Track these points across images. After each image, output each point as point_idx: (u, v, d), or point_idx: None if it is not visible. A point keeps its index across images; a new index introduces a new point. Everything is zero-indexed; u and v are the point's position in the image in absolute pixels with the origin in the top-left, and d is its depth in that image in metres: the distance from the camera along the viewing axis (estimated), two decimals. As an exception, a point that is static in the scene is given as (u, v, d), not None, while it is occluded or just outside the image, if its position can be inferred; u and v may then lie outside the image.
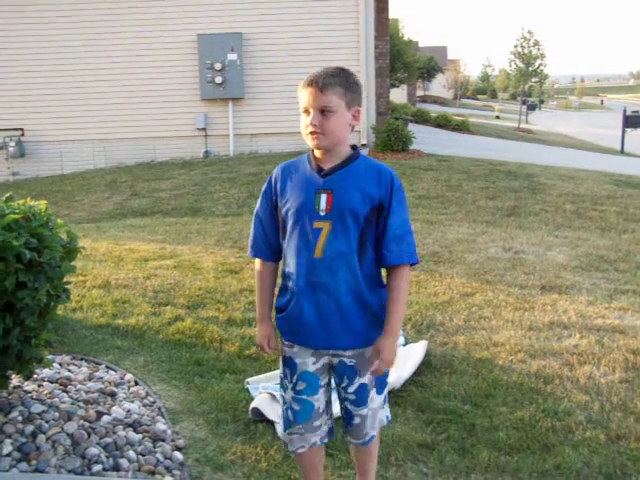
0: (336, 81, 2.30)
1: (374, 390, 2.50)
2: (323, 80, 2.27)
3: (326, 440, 2.58)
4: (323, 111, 2.28)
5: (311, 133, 2.30)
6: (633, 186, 11.45)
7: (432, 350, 4.22)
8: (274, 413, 3.27)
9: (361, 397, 2.46)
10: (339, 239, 2.32)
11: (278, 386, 2.65)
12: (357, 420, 2.49)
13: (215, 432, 3.27)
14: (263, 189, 2.48)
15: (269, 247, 2.48)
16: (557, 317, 4.82)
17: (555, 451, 3.13)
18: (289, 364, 2.47)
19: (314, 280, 2.34)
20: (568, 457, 3.07)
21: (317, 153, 2.39)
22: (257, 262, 2.54)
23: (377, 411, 2.54)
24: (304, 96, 2.31)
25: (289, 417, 2.50)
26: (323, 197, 2.32)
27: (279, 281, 2.53)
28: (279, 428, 2.62)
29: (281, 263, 2.51)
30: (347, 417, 2.51)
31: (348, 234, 2.32)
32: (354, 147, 2.43)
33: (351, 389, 2.45)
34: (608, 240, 7.44)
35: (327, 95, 2.27)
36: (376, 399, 2.52)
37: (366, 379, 2.45)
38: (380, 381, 2.52)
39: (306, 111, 2.31)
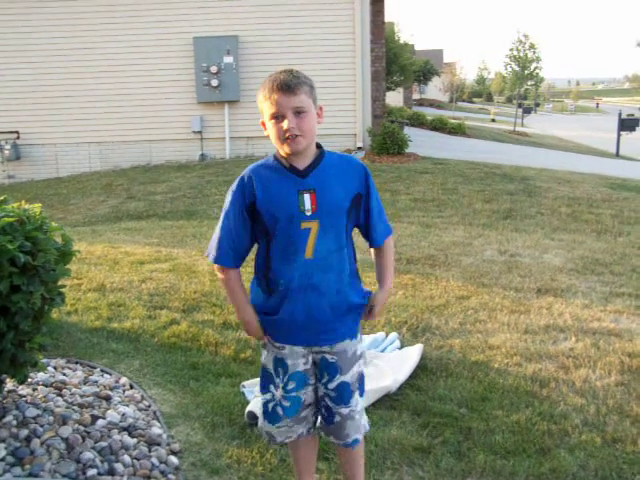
0: (302, 81, 2.30)
1: (358, 392, 2.51)
2: (292, 81, 2.26)
3: (312, 430, 2.58)
4: (297, 112, 2.26)
5: (289, 137, 2.26)
6: (628, 189, 11.48)
7: (428, 353, 4.22)
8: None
9: (342, 395, 2.46)
10: (328, 237, 2.34)
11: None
12: (337, 418, 2.48)
13: (211, 436, 3.26)
14: (233, 191, 2.39)
15: (236, 254, 2.40)
16: (553, 320, 4.82)
17: (551, 454, 3.12)
18: (281, 364, 2.47)
19: (307, 281, 2.34)
20: (564, 460, 3.07)
21: (286, 154, 2.35)
22: (219, 268, 2.44)
23: (362, 414, 2.55)
24: (273, 102, 2.26)
25: (278, 412, 2.50)
26: (307, 197, 2.31)
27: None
28: (259, 422, 2.60)
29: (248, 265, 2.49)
30: (328, 415, 2.50)
31: (337, 230, 2.36)
32: (317, 145, 2.42)
33: (331, 385, 2.45)
34: (604, 243, 7.45)
35: (299, 95, 2.26)
36: (360, 402, 2.53)
37: (348, 377, 2.46)
38: (361, 383, 2.53)
39: (278, 117, 2.27)
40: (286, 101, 2.25)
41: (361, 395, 2.54)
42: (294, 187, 2.33)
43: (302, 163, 2.35)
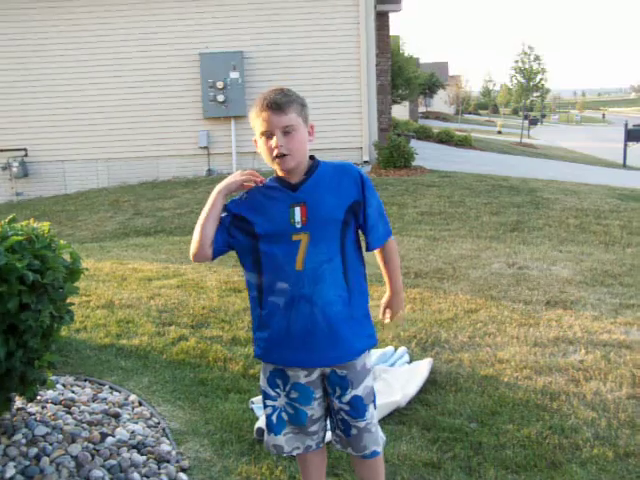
0: (292, 99, 2.34)
1: (371, 405, 2.50)
2: (281, 100, 2.31)
3: (322, 445, 2.57)
4: (286, 131, 2.30)
5: (278, 156, 2.31)
6: (636, 199, 11.43)
7: (437, 368, 4.20)
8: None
9: (357, 408, 2.45)
10: (319, 248, 2.35)
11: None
12: (354, 431, 2.47)
13: (220, 453, 3.25)
14: (227, 202, 2.46)
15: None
16: (562, 333, 4.79)
17: (563, 469, 3.10)
18: (280, 375, 2.46)
19: (298, 293, 2.35)
20: (576, 475, 3.04)
21: (280, 172, 2.40)
22: None
23: (378, 427, 2.55)
24: (262, 120, 2.32)
25: (283, 418, 2.49)
26: (297, 210, 2.35)
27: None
28: (265, 437, 2.59)
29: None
30: (345, 428, 2.49)
31: (328, 240, 2.36)
32: (311, 157, 2.45)
33: (345, 399, 2.45)
34: (612, 254, 7.42)
35: (288, 114, 2.31)
36: (375, 414, 2.53)
37: (360, 391, 2.45)
38: (373, 396, 2.53)
39: (267, 135, 2.33)
40: (276, 120, 2.30)
41: (375, 407, 2.54)
42: (286, 201, 2.37)
43: (295, 177, 2.40)
